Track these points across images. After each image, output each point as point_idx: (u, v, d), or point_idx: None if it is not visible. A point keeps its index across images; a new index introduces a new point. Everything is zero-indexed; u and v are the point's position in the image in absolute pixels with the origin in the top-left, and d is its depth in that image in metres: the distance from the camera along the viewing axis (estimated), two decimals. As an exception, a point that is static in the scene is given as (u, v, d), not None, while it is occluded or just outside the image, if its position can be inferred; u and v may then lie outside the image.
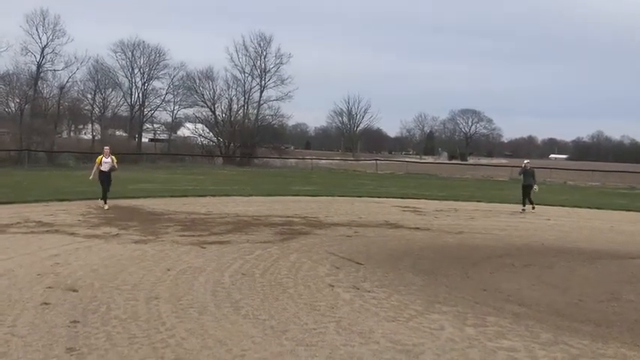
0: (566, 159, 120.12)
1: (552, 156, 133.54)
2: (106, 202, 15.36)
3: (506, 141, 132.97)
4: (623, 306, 7.28)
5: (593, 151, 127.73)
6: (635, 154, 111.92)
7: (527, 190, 18.79)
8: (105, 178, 15.74)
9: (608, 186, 36.13)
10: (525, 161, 20.46)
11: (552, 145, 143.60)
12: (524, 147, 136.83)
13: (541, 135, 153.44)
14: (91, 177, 16.03)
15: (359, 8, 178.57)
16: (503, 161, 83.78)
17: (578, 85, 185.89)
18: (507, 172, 41.53)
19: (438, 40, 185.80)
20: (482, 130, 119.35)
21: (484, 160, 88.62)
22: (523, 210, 18.50)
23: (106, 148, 16.68)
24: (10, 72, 44.04)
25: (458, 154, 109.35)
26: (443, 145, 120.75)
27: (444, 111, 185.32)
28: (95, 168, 15.95)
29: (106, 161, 15.90)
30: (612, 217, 18.46)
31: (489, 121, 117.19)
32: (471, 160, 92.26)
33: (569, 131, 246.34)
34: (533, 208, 18.55)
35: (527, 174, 19.03)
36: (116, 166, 16.24)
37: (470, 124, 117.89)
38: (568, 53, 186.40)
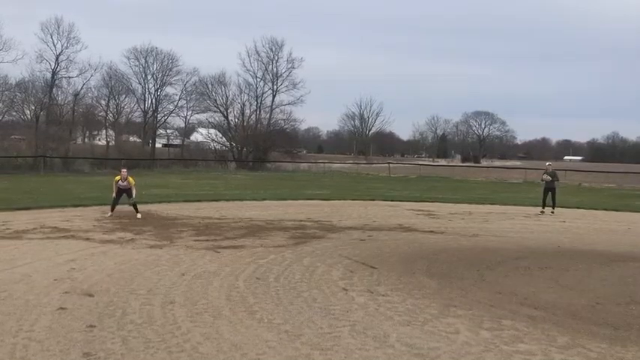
0: (581, 160, 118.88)
1: (567, 157, 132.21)
2: (112, 211, 14.85)
3: (520, 143, 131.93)
4: (642, 309, 7.18)
5: (609, 152, 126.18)
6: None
7: (549, 192, 18.64)
8: (120, 194, 15.05)
9: (625, 187, 35.66)
10: (547, 163, 20.41)
11: (567, 147, 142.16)
12: (539, 149, 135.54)
13: (555, 136, 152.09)
14: (114, 195, 15.10)
15: (369, 10, 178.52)
16: (517, 163, 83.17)
17: (593, 85, 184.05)
18: (522, 174, 41.23)
19: (449, 42, 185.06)
20: (496, 132, 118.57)
21: (498, 163, 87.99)
22: (542, 212, 18.33)
23: (123, 170, 15.43)
24: (26, 79, 44.72)
25: (471, 156, 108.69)
26: (456, 147, 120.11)
27: (456, 113, 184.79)
28: (114, 186, 15.16)
29: (123, 184, 15.01)
30: (629, 218, 18.22)
31: (503, 123, 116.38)
32: (484, 163, 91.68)
33: (583, 132, 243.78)
34: (553, 211, 18.36)
35: (550, 176, 18.91)
36: (134, 194, 15.02)
37: (483, 126, 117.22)
38: (582, 54, 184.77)
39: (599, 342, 5.79)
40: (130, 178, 15.15)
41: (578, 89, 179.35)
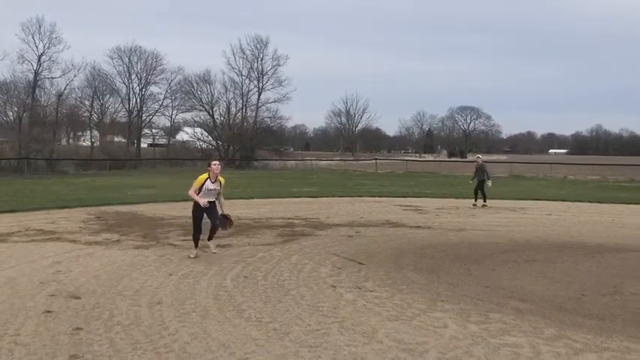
0: (565, 153, 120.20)
1: (552, 151, 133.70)
2: (210, 240, 9.91)
3: (505, 137, 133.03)
4: (626, 299, 7.27)
5: (593, 144, 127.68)
6: (635, 147, 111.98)
7: (480, 185, 18.88)
8: (208, 212, 9.48)
9: (609, 179, 36.10)
10: (477, 156, 20.67)
11: (552, 140, 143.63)
12: (524, 142, 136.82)
13: (540, 130, 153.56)
14: (204, 203, 9.32)
15: (356, 7, 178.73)
16: (503, 157, 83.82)
17: (577, 79, 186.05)
18: (507, 168, 41.57)
19: (435, 38, 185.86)
20: (481, 127, 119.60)
21: (484, 157, 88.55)
22: (474, 205, 18.48)
23: (214, 163, 9.68)
24: (8, 81, 44.42)
25: (457, 151, 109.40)
26: (442, 142, 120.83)
27: (442, 109, 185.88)
28: (195, 195, 9.39)
29: (212, 188, 9.46)
30: (613, 210, 18.45)
31: (488, 117, 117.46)
32: (470, 157, 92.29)
33: (568, 126, 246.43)
34: (485, 204, 18.50)
35: (480, 170, 19.11)
36: (222, 198, 9.90)
37: (468, 121, 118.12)
38: (565, 48, 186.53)
39: (584, 333, 5.85)
40: (222, 179, 9.75)
41: (562, 83, 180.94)
